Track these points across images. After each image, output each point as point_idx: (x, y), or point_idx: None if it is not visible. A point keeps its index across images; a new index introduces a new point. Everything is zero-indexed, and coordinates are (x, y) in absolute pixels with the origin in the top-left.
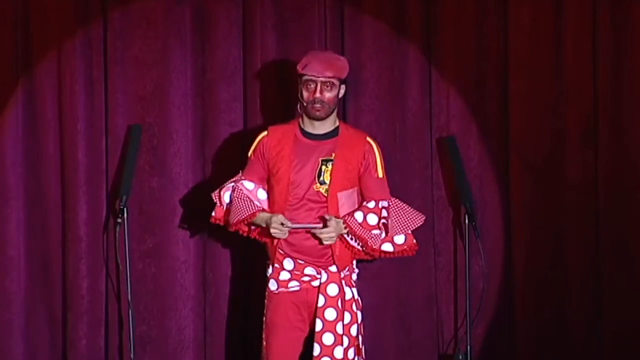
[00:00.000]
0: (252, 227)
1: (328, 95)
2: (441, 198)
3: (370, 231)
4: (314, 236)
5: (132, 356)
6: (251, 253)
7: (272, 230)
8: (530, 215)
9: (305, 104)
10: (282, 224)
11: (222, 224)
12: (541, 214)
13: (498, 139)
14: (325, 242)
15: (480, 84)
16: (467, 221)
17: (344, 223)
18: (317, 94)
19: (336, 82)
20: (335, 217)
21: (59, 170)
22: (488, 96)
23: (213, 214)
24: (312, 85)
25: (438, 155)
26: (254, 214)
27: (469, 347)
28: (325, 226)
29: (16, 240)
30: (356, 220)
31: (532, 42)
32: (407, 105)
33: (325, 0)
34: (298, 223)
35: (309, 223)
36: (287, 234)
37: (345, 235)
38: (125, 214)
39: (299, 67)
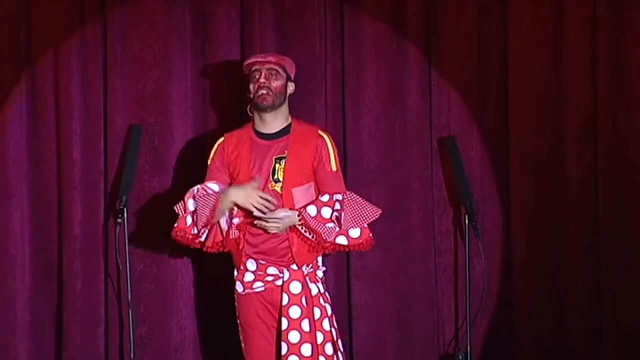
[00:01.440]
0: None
1: (275, 83)
2: (441, 198)
3: (324, 224)
4: (275, 236)
5: (132, 356)
6: None
7: (254, 205)
8: (530, 215)
9: (252, 97)
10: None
11: (187, 237)
12: (541, 214)
13: (498, 139)
14: (270, 230)
15: (481, 84)
16: (467, 221)
17: (299, 215)
18: (262, 79)
19: (281, 70)
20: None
21: (57, 170)
22: (488, 96)
23: (175, 225)
24: (257, 75)
25: (438, 155)
26: (217, 201)
27: (469, 347)
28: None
29: (20, 238)
30: (309, 214)
31: (532, 42)
32: (407, 105)
33: (325, 0)
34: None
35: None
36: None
37: (300, 228)
38: (125, 214)
39: (244, 67)
